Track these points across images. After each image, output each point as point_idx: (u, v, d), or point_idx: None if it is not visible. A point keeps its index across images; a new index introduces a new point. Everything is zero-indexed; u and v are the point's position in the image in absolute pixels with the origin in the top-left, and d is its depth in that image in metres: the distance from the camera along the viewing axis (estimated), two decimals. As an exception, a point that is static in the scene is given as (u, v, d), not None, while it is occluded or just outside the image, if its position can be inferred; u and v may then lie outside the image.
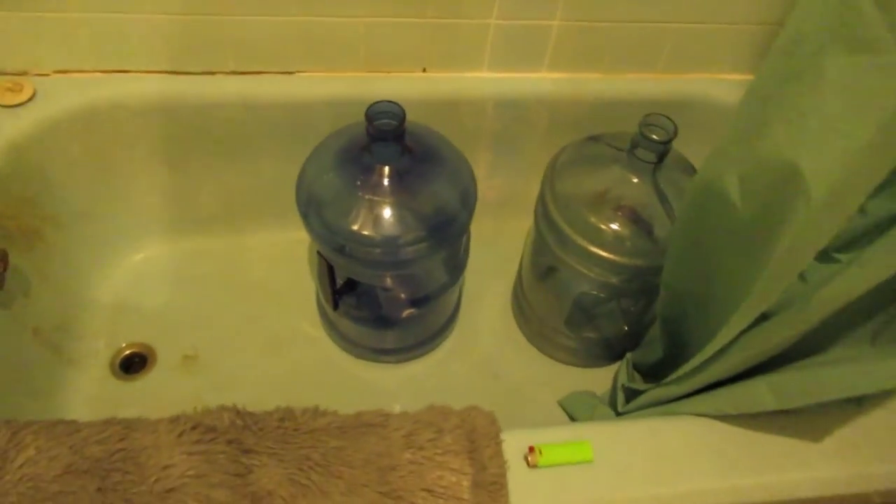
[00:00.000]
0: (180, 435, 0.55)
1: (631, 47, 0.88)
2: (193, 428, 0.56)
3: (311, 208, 0.70)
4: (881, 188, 0.48)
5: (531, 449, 0.57)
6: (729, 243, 0.53)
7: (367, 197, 0.69)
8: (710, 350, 0.55)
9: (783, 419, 0.61)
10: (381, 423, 0.58)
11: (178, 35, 0.79)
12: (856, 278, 0.43)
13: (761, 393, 0.55)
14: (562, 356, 0.90)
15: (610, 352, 0.89)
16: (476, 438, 0.57)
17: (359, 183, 0.69)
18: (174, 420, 0.57)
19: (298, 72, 0.85)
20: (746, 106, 0.49)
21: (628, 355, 0.84)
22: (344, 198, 0.70)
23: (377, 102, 0.66)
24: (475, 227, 1.02)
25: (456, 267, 0.82)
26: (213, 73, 0.83)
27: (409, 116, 0.84)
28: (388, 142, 0.67)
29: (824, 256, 0.52)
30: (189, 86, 0.83)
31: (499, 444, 0.57)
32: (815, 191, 0.42)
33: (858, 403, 0.58)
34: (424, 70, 0.87)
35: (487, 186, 0.99)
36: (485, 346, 0.92)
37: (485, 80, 0.88)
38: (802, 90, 0.44)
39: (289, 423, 0.57)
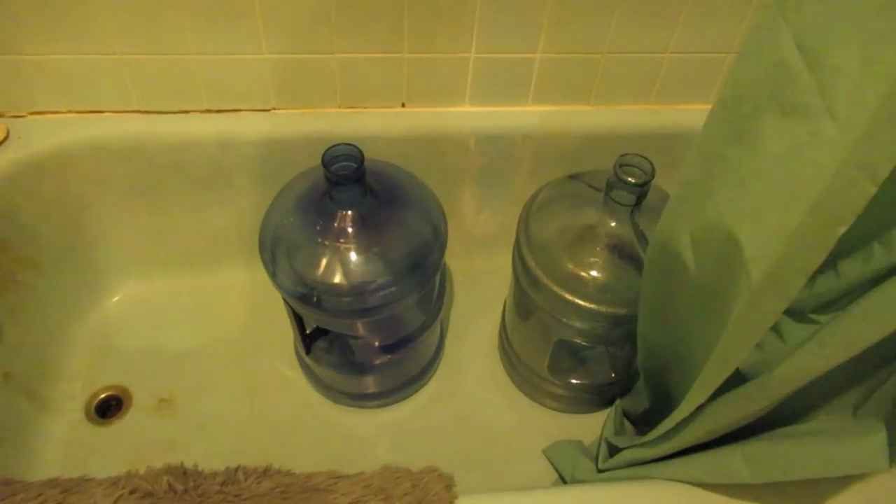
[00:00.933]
0: (116, 500, 0.53)
1: (621, 78, 0.84)
2: (132, 492, 0.53)
3: (274, 258, 0.68)
4: (853, 248, 0.43)
5: (487, 519, 0.53)
6: (689, 304, 0.49)
7: (330, 244, 0.66)
8: (678, 415, 0.51)
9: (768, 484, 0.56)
10: (329, 487, 0.55)
11: (150, 75, 0.78)
12: (813, 357, 0.39)
13: (736, 464, 0.50)
14: (549, 402, 0.85)
15: (600, 398, 0.84)
16: (427, 507, 0.53)
17: (320, 229, 0.66)
18: (114, 483, 0.54)
19: (274, 109, 0.83)
20: (693, 163, 0.45)
21: (618, 402, 0.80)
22: (307, 246, 0.67)
23: (334, 146, 0.63)
24: (462, 264, 0.99)
25: (431, 309, 0.79)
26: (187, 112, 0.82)
27: (389, 152, 0.82)
28: (348, 185, 0.64)
29: (801, 317, 0.48)
30: (164, 125, 0.82)
31: (451, 513, 0.54)
32: (754, 270, 0.38)
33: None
34: (403, 105, 0.84)
35: (475, 222, 0.96)
36: (469, 389, 0.88)
37: (467, 115, 0.85)
38: (742, 153, 0.39)
39: (231, 486, 0.54)
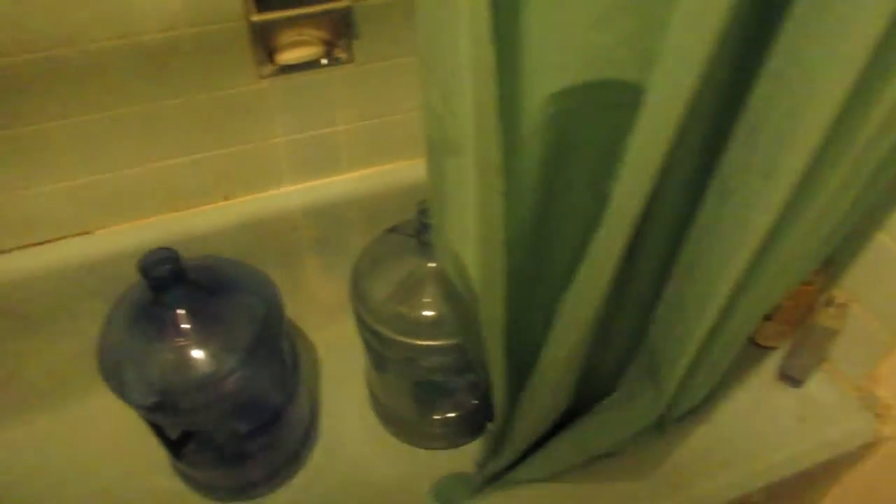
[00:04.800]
0: None
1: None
2: None
3: (118, 377, 0.68)
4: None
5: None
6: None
7: (169, 346, 0.68)
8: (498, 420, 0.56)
9: (606, 467, 0.61)
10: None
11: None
12: (559, 339, 0.45)
13: (565, 449, 0.56)
14: (429, 443, 0.89)
15: (473, 426, 0.88)
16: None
17: (156, 335, 0.68)
18: None
19: (98, 230, 0.84)
20: (431, 197, 0.51)
21: (489, 426, 0.84)
22: (147, 355, 0.68)
23: (148, 253, 0.66)
24: (324, 335, 1.02)
25: (287, 381, 0.81)
26: (8, 252, 0.82)
27: (221, 247, 0.85)
28: (171, 286, 0.66)
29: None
30: (-17, 270, 0.81)
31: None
32: (475, 284, 0.45)
33: (661, 433, 0.59)
34: (226, 198, 0.88)
35: (325, 292, 0.99)
36: (352, 452, 0.90)
37: (289, 194, 0.90)
38: (447, 187, 0.46)
39: None
